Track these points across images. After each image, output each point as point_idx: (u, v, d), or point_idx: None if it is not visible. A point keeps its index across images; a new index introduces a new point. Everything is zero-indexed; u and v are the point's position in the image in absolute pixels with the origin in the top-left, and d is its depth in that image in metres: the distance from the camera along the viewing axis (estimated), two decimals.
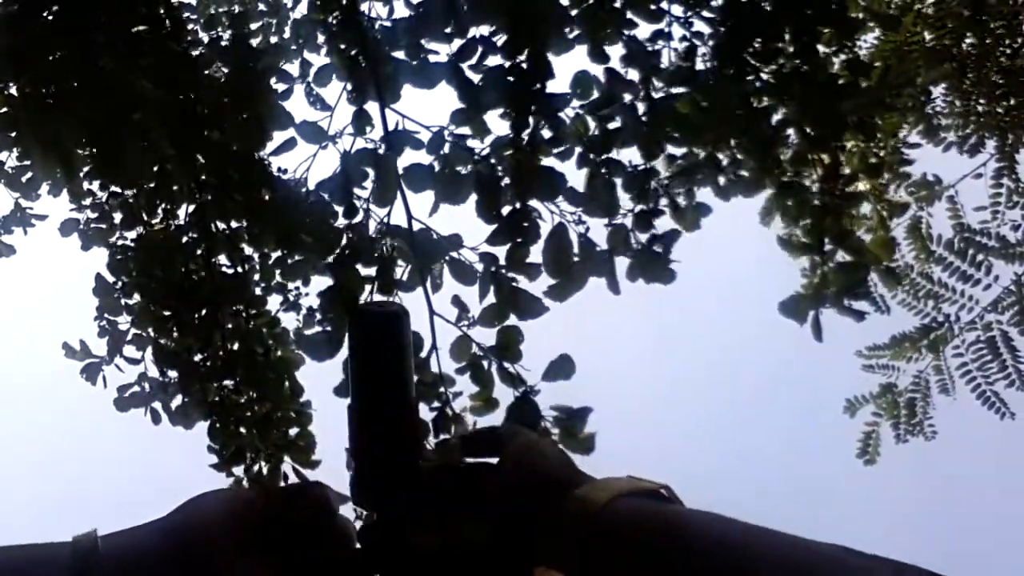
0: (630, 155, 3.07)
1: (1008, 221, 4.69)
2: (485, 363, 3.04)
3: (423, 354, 3.05)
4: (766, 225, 3.16)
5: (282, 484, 3.17)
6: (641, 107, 3.00)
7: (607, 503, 0.85)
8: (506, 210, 3.01)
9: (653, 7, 3.09)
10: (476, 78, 3.03)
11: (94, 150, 3.22)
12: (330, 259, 3.12)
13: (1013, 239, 4.62)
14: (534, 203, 3.02)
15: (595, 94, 3.07)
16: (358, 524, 1.03)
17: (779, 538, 0.76)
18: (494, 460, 1.01)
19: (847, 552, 0.73)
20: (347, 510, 1.03)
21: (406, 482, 0.97)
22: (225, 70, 3.24)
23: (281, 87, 3.26)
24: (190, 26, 3.47)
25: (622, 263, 3.06)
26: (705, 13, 3.03)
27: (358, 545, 0.99)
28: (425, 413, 3.05)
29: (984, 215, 4.73)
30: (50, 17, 2.93)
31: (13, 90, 3.36)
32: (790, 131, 2.97)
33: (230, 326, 3.27)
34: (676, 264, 3.02)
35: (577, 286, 3.00)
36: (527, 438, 1.00)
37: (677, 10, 3.08)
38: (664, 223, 3.06)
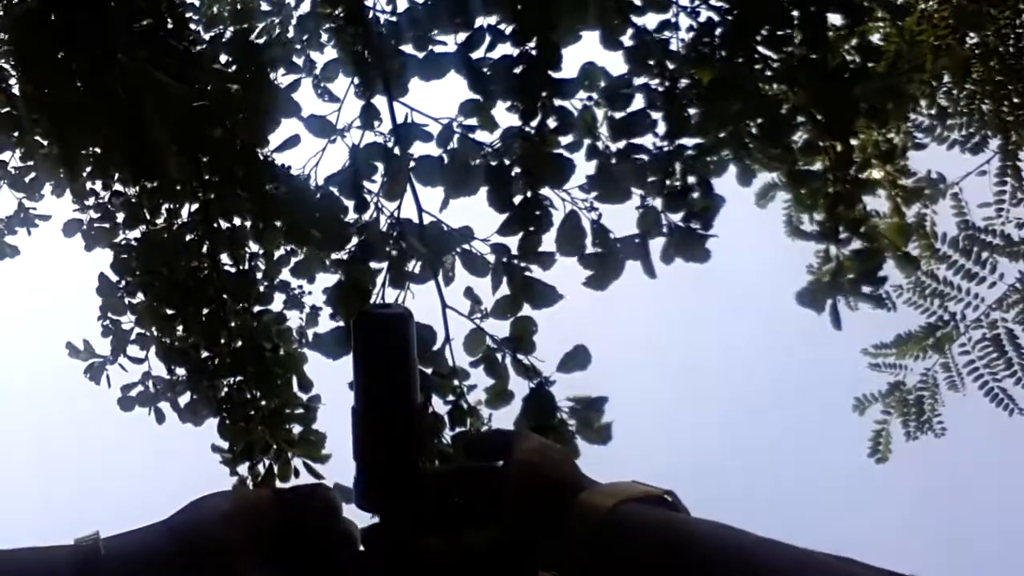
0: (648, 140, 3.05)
1: (1013, 219, 4.68)
2: (499, 355, 3.01)
3: (436, 347, 3.02)
4: (762, 207, 3.15)
5: (288, 485, 3.14)
6: (660, 89, 2.99)
7: (611, 508, 0.83)
8: (517, 199, 2.98)
9: None
10: (485, 68, 3.02)
11: (99, 150, 3.21)
12: (340, 255, 3.09)
13: (1017, 237, 4.60)
14: (545, 191, 3.00)
15: (602, 84, 3.06)
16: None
17: (783, 549, 0.74)
18: (499, 463, 1.00)
19: (851, 564, 0.72)
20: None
21: (409, 485, 0.95)
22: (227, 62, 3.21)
23: (289, 79, 3.24)
24: (192, 25, 3.45)
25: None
26: (713, 1, 3.02)
27: (362, 548, 0.97)
28: (440, 406, 3.02)
29: (988, 212, 4.72)
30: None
31: (16, 90, 3.35)
32: (802, 119, 2.96)
33: (236, 323, 3.23)
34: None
35: (614, 274, 2.97)
36: (533, 442, 0.97)
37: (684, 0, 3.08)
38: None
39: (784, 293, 3.09)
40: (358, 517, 0.98)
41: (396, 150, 3.14)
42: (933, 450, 5.00)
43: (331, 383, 3.29)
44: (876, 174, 2.94)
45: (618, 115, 2.99)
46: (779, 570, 0.71)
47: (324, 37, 3.50)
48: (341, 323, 3.07)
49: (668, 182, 2.98)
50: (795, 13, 2.88)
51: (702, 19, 3.00)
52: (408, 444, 0.95)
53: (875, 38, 4.04)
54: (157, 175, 3.17)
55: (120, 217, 3.38)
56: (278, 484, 3.17)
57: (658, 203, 3.01)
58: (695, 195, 2.97)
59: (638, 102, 3.01)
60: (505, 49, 3.00)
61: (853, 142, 2.96)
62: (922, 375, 4.89)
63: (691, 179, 2.98)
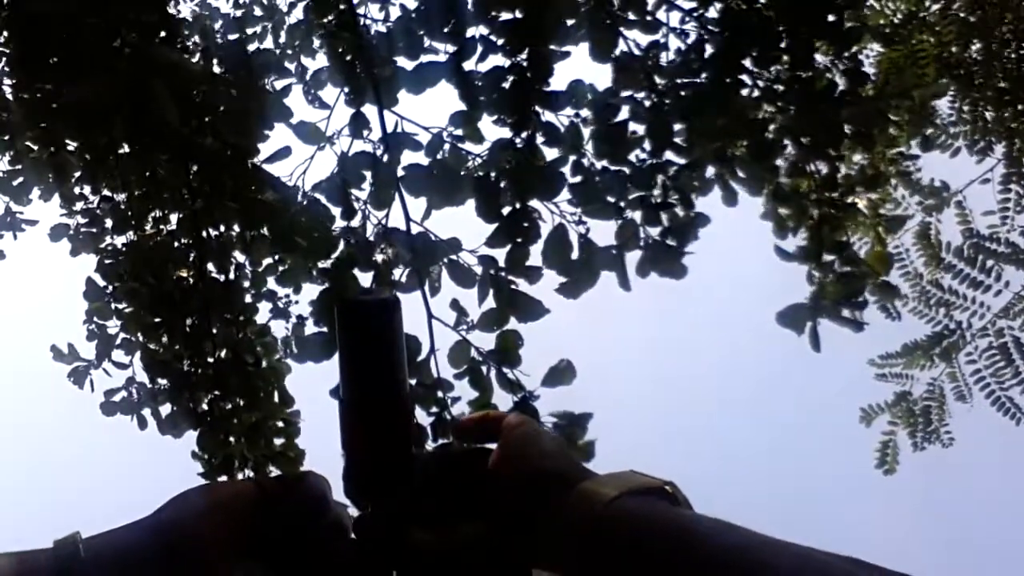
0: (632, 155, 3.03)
1: (1017, 226, 4.64)
2: (484, 368, 2.99)
3: (421, 358, 3.01)
4: (768, 219, 3.12)
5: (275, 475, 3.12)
6: (647, 102, 2.97)
7: (611, 501, 0.79)
8: (506, 210, 2.96)
9: (649, 18, 3.06)
10: (476, 80, 3.01)
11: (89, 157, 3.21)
12: (326, 263, 3.08)
13: (1023, 244, 4.56)
14: (534, 204, 2.98)
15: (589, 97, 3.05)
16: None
17: (791, 550, 0.71)
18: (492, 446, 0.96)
19: (856, 564, 0.68)
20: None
21: (400, 474, 0.92)
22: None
23: (280, 83, 3.23)
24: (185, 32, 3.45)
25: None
26: (702, 22, 3.00)
27: (354, 537, 0.94)
28: (423, 418, 3.00)
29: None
30: None
31: (8, 94, 3.35)
32: (787, 140, 2.94)
33: (220, 334, 3.22)
34: (688, 257, 2.98)
35: (589, 283, 2.95)
36: (527, 428, 0.95)
37: (674, 19, 3.06)
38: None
39: (779, 297, 3.07)
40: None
41: (385, 158, 3.13)
42: (938, 460, 4.97)
43: (312, 401, 3.29)
44: (860, 203, 2.92)
45: (603, 128, 2.97)
46: (789, 572, 0.68)
47: (316, 43, 3.49)
48: (325, 329, 3.06)
49: (649, 196, 2.96)
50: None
51: (691, 40, 2.98)
52: (398, 433, 0.93)
53: (869, 57, 4.01)
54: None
55: (108, 223, 3.37)
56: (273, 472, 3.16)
57: (638, 216, 3.00)
58: (677, 211, 2.95)
59: (624, 116, 3.00)
60: (496, 60, 3.00)
61: (839, 165, 2.94)
62: (928, 385, 4.85)
63: (672, 196, 2.96)
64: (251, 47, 3.61)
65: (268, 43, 3.81)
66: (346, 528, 0.95)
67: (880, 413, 4.91)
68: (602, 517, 0.79)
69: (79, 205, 3.43)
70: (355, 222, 3.11)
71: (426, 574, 0.90)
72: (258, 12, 3.81)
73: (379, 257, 3.09)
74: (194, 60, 3.35)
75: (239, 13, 3.81)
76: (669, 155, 2.98)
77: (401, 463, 0.93)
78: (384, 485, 0.93)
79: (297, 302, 3.34)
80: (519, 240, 2.98)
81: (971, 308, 4.68)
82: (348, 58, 3.22)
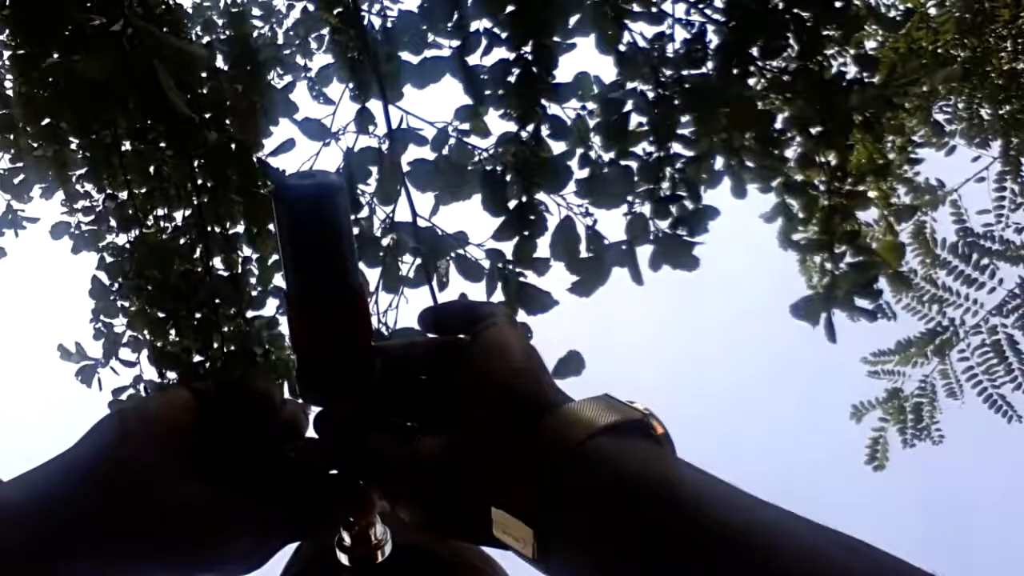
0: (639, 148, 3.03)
1: (1012, 224, 4.67)
2: None
3: None
4: (770, 222, 3.12)
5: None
6: (651, 95, 2.96)
7: (584, 441, 0.69)
8: (512, 203, 2.96)
9: (654, 9, 3.06)
10: (481, 74, 3.00)
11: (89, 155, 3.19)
12: None
13: (1017, 242, 4.58)
14: (540, 196, 2.98)
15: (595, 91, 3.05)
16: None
17: (789, 534, 0.63)
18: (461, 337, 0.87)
19: (856, 551, 0.62)
20: None
21: (356, 370, 0.85)
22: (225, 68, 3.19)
23: (286, 79, 3.22)
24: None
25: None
26: (708, 12, 3.00)
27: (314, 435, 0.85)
28: None
29: (988, 218, 4.70)
30: None
31: (9, 91, 3.33)
32: (793, 132, 2.95)
33: (228, 328, 3.19)
34: (700, 248, 2.97)
35: (600, 280, 2.95)
36: (495, 338, 0.82)
37: (680, 11, 3.06)
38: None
39: (783, 297, 3.07)
40: None
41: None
42: (932, 457, 4.98)
43: None
44: (871, 193, 2.92)
45: (606, 122, 2.98)
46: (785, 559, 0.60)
47: (314, 45, 3.48)
48: None
49: (657, 189, 2.97)
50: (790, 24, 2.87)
51: (697, 30, 2.98)
52: (351, 324, 0.85)
53: (871, 44, 4.03)
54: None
55: (112, 220, 3.35)
56: None
57: (647, 210, 2.99)
58: (686, 203, 2.95)
59: (627, 109, 3.00)
60: (501, 53, 3.00)
61: (848, 155, 2.94)
62: (920, 382, 4.87)
63: (681, 188, 2.96)
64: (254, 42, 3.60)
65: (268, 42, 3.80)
66: (302, 426, 0.87)
67: (871, 409, 4.92)
68: (573, 462, 0.69)
69: (81, 203, 3.41)
70: (362, 216, 3.11)
71: (384, 482, 0.83)
72: (256, 12, 3.80)
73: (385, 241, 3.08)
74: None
75: (236, 11, 3.80)
76: (677, 148, 2.99)
77: (357, 358, 0.85)
78: (340, 382, 0.85)
79: None
80: (526, 233, 2.98)
81: (965, 305, 4.69)
82: (353, 54, 3.22)
